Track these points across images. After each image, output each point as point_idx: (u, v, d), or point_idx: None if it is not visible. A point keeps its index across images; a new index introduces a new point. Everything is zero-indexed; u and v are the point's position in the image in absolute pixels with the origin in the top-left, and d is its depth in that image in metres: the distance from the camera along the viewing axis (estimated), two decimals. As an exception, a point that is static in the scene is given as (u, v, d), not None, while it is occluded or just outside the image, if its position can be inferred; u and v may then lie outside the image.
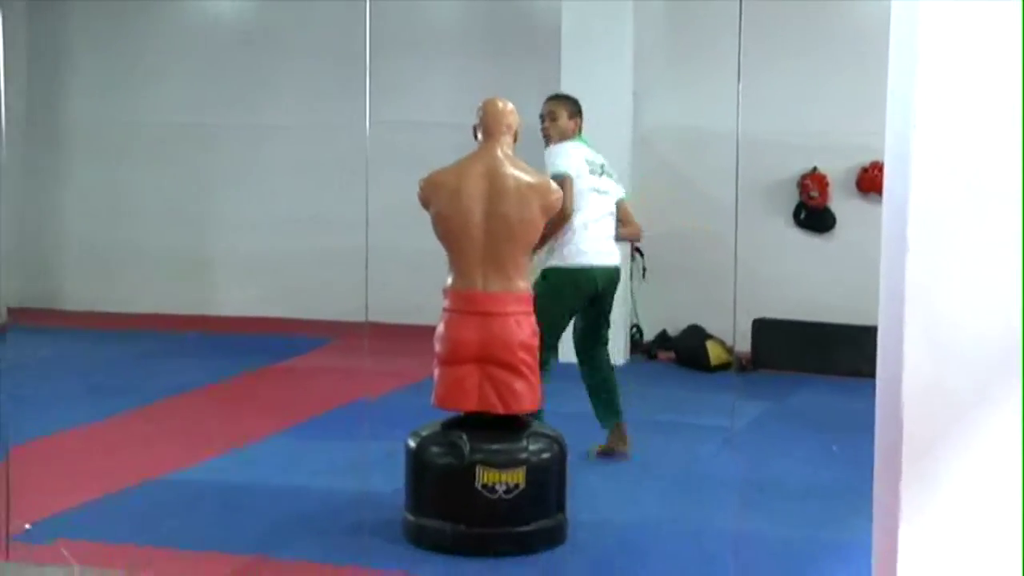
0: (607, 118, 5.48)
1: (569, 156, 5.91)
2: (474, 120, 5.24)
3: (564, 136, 5.95)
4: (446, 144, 5.25)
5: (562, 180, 5.64)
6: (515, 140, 5.23)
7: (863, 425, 3.52)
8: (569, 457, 5.16)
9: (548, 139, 5.98)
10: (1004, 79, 3.29)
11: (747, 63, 4.13)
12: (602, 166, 6.16)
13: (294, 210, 6.83)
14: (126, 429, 6.70)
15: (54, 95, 7.02)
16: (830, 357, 5.02)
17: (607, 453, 5.91)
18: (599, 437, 6.04)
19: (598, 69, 5.61)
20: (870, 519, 3.55)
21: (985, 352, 3.37)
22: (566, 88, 5.77)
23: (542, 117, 6.02)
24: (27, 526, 4.75)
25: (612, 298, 6.27)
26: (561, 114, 5.96)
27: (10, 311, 6.76)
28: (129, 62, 7.15)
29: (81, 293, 7.51)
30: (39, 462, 5.10)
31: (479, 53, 6.02)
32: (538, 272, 5.90)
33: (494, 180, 5.11)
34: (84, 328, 7.35)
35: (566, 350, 6.10)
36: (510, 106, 5.24)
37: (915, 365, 3.38)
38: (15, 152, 5.83)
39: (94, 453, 6.18)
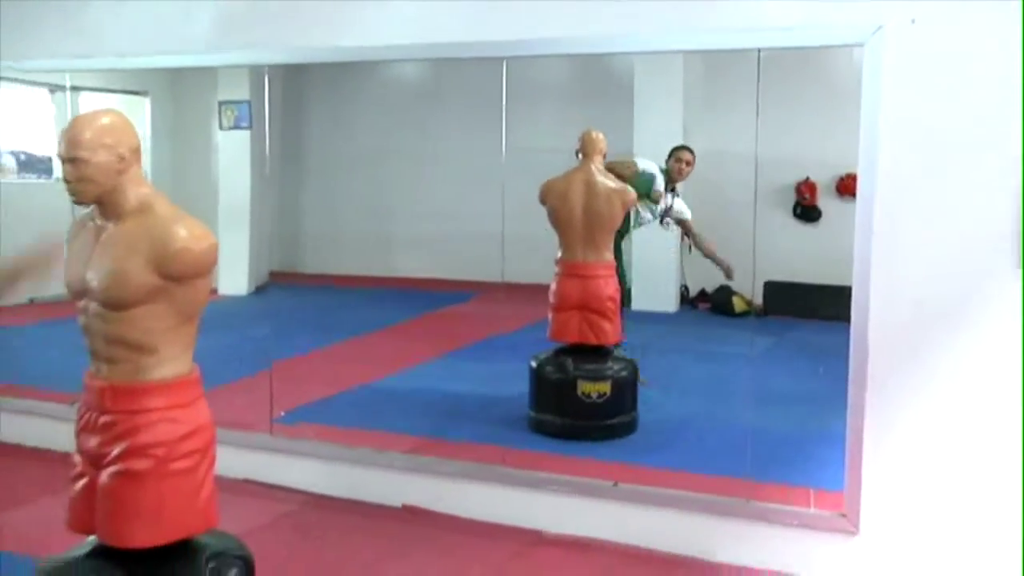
0: (665, 144, 5.54)
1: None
2: (576, 145, 5.23)
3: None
4: (557, 162, 5.30)
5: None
6: (603, 158, 5.21)
7: (841, 353, 3.57)
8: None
9: (680, 177, 5.51)
10: (941, 117, 3.38)
11: (760, 104, 4.18)
12: None
13: (451, 206, 6.82)
14: (342, 352, 6.80)
15: (297, 133, 7.18)
16: (818, 307, 4.96)
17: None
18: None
19: (658, 109, 5.64)
20: (844, 417, 3.59)
21: (925, 302, 3.45)
22: (637, 122, 5.77)
23: (681, 159, 5.47)
24: (282, 413, 4.86)
25: None
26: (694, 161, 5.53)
27: (271, 273, 7.00)
28: (343, 108, 7.20)
29: (313, 261, 7.63)
30: (289, 372, 5.18)
31: (577, 99, 6.03)
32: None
33: (589, 186, 5.15)
34: (315, 285, 7.51)
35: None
36: (601, 135, 5.23)
37: (877, 312, 3.49)
38: (275, 170, 6.01)
39: (323, 367, 6.34)
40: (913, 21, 3.35)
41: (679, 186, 5.54)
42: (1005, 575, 3.38)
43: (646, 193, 5.48)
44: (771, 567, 3.73)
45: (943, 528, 3.48)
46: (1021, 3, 3.12)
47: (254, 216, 7.05)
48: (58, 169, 2.81)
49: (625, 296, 5.51)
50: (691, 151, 5.48)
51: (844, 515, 3.61)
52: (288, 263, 7.46)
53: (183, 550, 2.75)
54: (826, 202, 5.30)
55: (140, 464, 2.61)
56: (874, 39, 3.39)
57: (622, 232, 5.48)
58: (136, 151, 2.65)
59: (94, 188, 2.61)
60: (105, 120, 2.62)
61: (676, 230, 5.72)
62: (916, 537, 3.52)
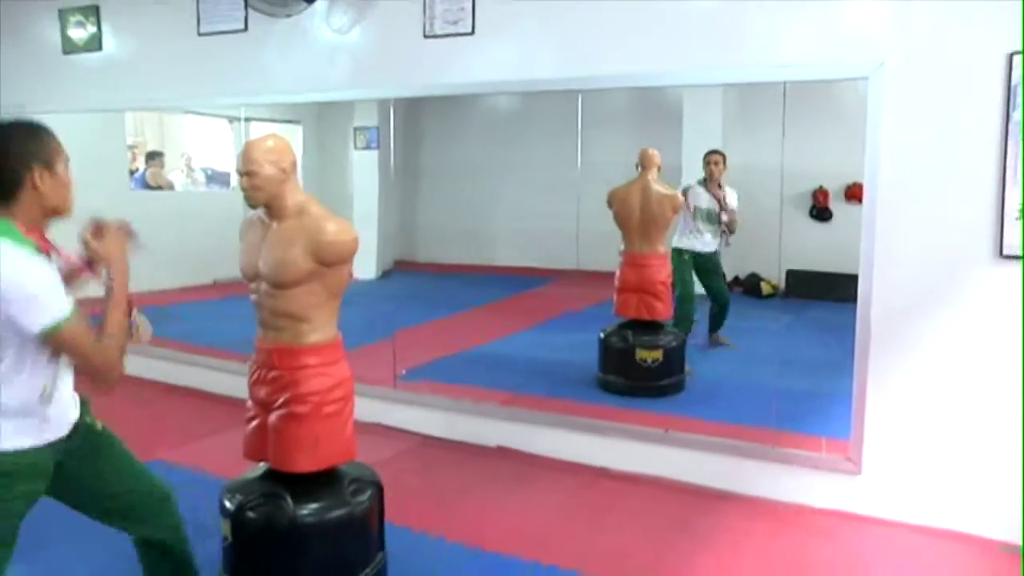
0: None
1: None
2: (636, 160, 5.23)
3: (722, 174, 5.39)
4: (620, 173, 5.31)
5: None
6: (658, 170, 5.20)
7: (849, 327, 3.57)
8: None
9: (716, 173, 5.34)
10: (931, 136, 3.37)
11: (785, 125, 4.12)
12: None
13: (537, 208, 6.75)
14: (449, 324, 6.79)
15: (414, 151, 7.18)
16: (831, 290, 4.80)
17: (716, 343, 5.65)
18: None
19: (702, 130, 5.55)
20: (851, 379, 3.59)
21: (917, 285, 3.44)
22: (685, 142, 5.70)
23: (712, 161, 5.36)
24: (403, 371, 4.90)
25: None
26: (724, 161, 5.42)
27: (394, 262, 7.05)
28: (450, 131, 7.19)
29: (426, 252, 7.60)
30: (409, 339, 5.18)
31: (637, 122, 5.93)
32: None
33: (646, 193, 5.16)
34: (428, 271, 7.52)
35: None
36: (656, 152, 5.22)
37: (879, 295, 3.50)
38: (397, 181, 6.07)
39: (434, 336, 6.34)
40: (908, 59, 3.35)
41: (724, 182, 5.43)
42: (977, 510, 3.40)
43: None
44: (789, 500, 3.75)
45: (929, 469, 3.49)
46: (1021, 8, 3.08)
47: (381, 217, 7.10)
48: (235, 181, 2.90)
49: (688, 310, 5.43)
50: (720, 153, 5.40)
51: (849, 459, 3.63)
52: (407, 253, 7.50)
53: (331, 475, 2.87)
54: (836, 206, 5.18)
55: (300, 408, 2.73)
56: (877, 73, 3.39)
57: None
58: (294, 166, 2.74)
59: (263, 195, 2.71)
60: (270, 142, 2.73)
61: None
62: (906, 477, 3.53)
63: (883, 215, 3.45)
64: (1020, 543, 3.25)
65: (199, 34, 5.23)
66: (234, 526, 2.82)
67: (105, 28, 5.72)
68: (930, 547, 3.34)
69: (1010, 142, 3.17)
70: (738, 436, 3.99)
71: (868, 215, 3.48)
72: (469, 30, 4.32)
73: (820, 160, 5.14)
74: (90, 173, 7.54)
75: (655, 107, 5.81)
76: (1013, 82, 3.15)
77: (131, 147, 8.12)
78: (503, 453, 4.40)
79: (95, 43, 5.75)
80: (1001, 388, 3.32)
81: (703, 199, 5.41)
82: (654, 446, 4.09)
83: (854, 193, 4.78)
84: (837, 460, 3.67)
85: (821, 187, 5.29)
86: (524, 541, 3.33)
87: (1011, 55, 3.15)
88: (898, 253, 3.45)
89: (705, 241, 5.47)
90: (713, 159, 5.37)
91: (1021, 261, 3.18)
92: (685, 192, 5.40)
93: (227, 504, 2.85)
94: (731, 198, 5.39)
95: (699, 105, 5.67)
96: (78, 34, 5.80)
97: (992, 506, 3.37)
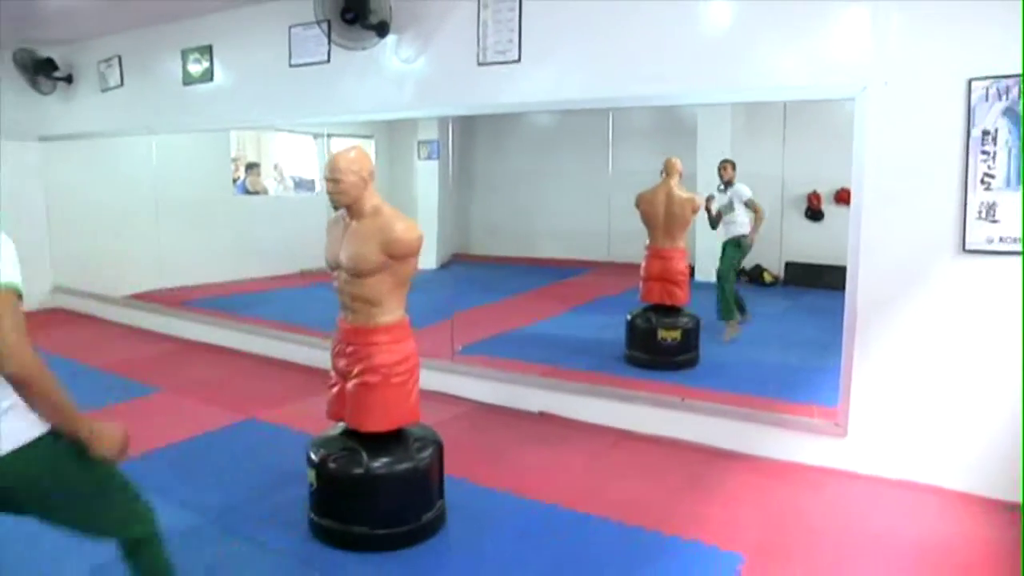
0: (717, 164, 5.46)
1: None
2: (660, 167, 5.21)
3: (733, 179, 5.44)
4: (645, 179, 5.27)
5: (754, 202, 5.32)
6: (680, 177, 5.17)
7: (838, 311, 3.57)
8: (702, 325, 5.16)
9: (728, 176, 5.41)
10: (906, 148, 3.35)
11: (784, 137, 4.04)
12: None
13: (574, 208, 6.70)
14: (499, 308, 6.77)
15: (469, 161, 7.14)
16: (822, 279, 4.77)
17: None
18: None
19: (713, 142, 5.51)
20: (839, 356, 3.58)
21: (896, 274, 3.42)
22: (700, 153, 5.65)
23: (723, 167, 5.44)
24: (460, 347, 4.93)
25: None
26: (732, 167, 5.44)
27: (452, 255, 7.04)
28: (499, 142, 7.22)
29: (479, 246, 7.58)
30: (465, 320, 5.18)
31: (659, 135, 5.86)
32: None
33: (669, 196, 5.13)
34: (481, 263, 7.48)
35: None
36: (678, 160, 5.19)
37: (863, 282, 3.49)
38: (454, 186, 6.07)
39: (488, 317, 6.32)
40: (886, 83, 3.34)
41: (736, 181, 5.41)
42: (945, 466, 3.40)
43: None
44: (785, 458, 3.76)
45: (905, 432, 3.48)
46: (1021, 14, 3.04)
47: (440, 216, 7.12)
48: (320, 187, 2.98)
49: (725, 306, 5.39)
50: (728, 160, 5.39)
51: (837, 424, 3.63)
52: (463, 247, 7.49)
53: (399, 434, 2.94)
54: (827, 207, 5.10)
55: (372, 378, 2.80)
56: (861, 95, 3.39)
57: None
58: (371, 174, 2.79)
59: (346, 198, 2.77)
60: (352, 153, 2.78)
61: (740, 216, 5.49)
62: (886, 438, 3.53)
63: (867, 215, 3.44)
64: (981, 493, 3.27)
65: (290, 65, 5.34)
66: (318, 475, 2.89)
67: (216, 63, 5.89)
68: (905, 498, 3.35)
69: (970, 153, 3.18)
70: (743, 404, 3.98)
71: (854, 215, 3.47)
72: (516, 58, 4.36)
73: (814, 168, 5.10)
74: (202, 181, 7.85)
75: (674, 122, 5.78)
76: (972, 103, 3.16)
77: (234, 160, 8.29)
78: (544, 417, 4.41)
79: (208, 75, 5.93)
80: (965, 362, 3.32)
81: (721, 199, 5.44)
82: (671, 412, 4.10)
83: (843, 197, 4.71)
84: (826, 424, 3.67)
85: (815, 191, 5.22)
86: (561, 491, 3.37)
87: (970, 80, 3.16)
88: (879, 247, 3.43)
89: (730, 229, 5.45)
90: (722, 165, 5.41)
91: (1021, 256, 3.16)
92: (709, 199, 5.42)
93: (312, 456, 2.93)
94: (743, 190, 5.36)
95: (711, 120, 5.64)
96: (195, 68, 6.00)
97: (958, 462, 3.38)
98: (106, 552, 2.04)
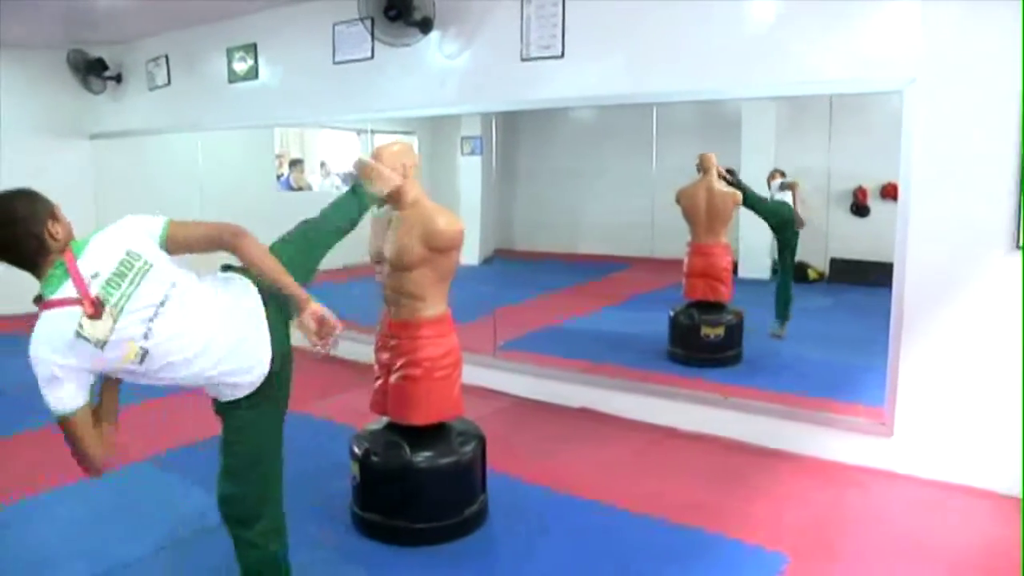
0: (762, 161, 5.44)
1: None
2: (697, 163, 5.20)
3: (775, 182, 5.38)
4: (689, 175, 5.24)
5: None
6: (717, 173, 5.14)
7: (884, 309, 3.54)
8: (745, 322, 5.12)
9: (772, 181, 5.40)
10: (955, 142, 3.31)
11: (831, 133, 3.98)
12: None
13: (617, 204, 6.66)
14: (541, 303, 6.81)
15: (512, 156, 7.20)
16: (868, 276, 4.69)
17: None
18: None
19: (757, 137, 5.48)
20: (885, 354, 3.56)
21: (944, 272, 3.39)
22: (743, 147, 5.62)
23: (771, 177, 5.43)
24: (501, 342, 4.97)
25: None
26: (781, 175, 5.40)
27: (495, 250, 7.09)
28: (542, 138, 7.20)
29: (522, 242, 7.60)
30: (507, 315, 5.20)
31: (703, 130, 5.83)
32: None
33: (709, 191, 5.12)
34: (523, 258, 7.50)
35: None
36: (713, 155, 5.17)
37: (911, 280, 3.46)
38: (496, 181, 6.04)
39: (530, 312, 6.34)
40: (937, 75, 3.31)
41: (774, 185, 5.38)
42: (992, 469, 3.36)
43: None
44: (829, 457, 3.74)
45: (952, 433, 3.45)
46: (1021, 19, 3.02)
47: (483, 212, 7.16)
48: None
49: (781, 305, 5.34)
50: (777, 170, 5.38)
51: (883, 423, 3.60)
52: (505, 243, 7.52)
53: (442, 428, 2.98)
54: (873, 202, 5.02)
55: (415, 371, 2.85)
56: (910, 88, 3.35)
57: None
58: (414, 166, 2.83)
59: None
60: (396, 147, 2.82)
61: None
62: (933, 439, 3.50)
63: (915, 211, 3.40)
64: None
65: (334, 63, 5.41)
66: (361, 468, 2.95)
67: (261, 61, 5.99)
68: (952, 500, 3.31)
69: (1024, 149, 3.11)
70: (787, 402, 3.96)
71: (902, 211, 3.44)
72: (559, 54, 4.36)
73: (859, 162, 5.04)
74: (247, 177, 7.90)
75: (718, 118, 5.74)
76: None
77: (278, 156, 8.42)
78: (585, 413, 4.42)
79: (252, 73, 6.04)
80: (1016, 362, 3.26)
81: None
82: (714, 409, 4.10)
83: (889, 191, 4.65)
84: (872, 424, 3.64)
85: (860, 186, 5.14)
86: (602, 487, 3.39)
87: (1025, 73, 3.09)
88: (928, 244, 3.40)
89: None
90: (772, 174, 5.40)
91: (1021, 256, 3.14)
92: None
93: (356, 449, 2.99)
94: (782, 196, 5.33)
95: (755, 116, 5.60)
96: (240, 66, 6.12)
97: (1006, 465, 3.32)
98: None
